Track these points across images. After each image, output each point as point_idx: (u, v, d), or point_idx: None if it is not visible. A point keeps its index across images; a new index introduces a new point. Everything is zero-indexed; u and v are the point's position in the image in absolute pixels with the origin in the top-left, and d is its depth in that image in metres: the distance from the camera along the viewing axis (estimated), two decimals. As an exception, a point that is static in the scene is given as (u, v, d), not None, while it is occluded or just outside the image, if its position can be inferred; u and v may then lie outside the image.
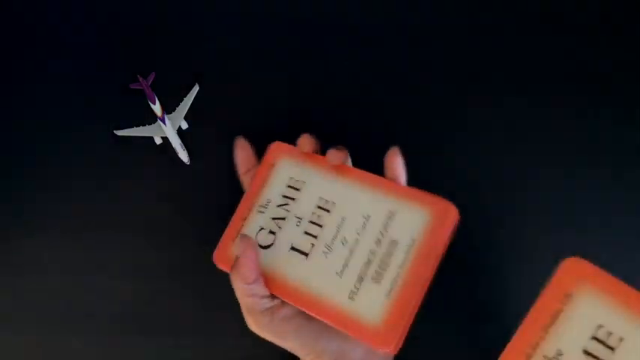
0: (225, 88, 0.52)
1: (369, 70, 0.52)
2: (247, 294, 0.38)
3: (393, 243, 0.36)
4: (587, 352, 0.28)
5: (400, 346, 0.35)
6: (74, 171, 0.52)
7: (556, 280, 0.30)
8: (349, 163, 0.41)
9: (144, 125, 0.52)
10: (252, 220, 0.41)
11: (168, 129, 0.51)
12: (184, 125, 0.52)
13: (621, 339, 0.27)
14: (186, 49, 0.53)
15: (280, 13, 0.53)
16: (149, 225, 0.51)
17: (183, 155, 0.51)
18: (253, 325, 0.39)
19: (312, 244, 0.38)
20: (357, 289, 0.36)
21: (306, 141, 0.41)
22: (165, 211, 0.51)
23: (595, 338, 0.27)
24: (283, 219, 0.40)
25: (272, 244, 0.40)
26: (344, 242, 0.38)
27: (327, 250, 0.38)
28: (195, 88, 0.52)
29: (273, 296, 0.39)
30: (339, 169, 0.40)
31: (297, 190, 0.41)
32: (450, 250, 0.37)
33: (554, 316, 0.28)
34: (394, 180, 0.39)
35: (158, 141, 0.52)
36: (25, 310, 0.51)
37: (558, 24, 0.51)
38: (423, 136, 0.51)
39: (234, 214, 0.43)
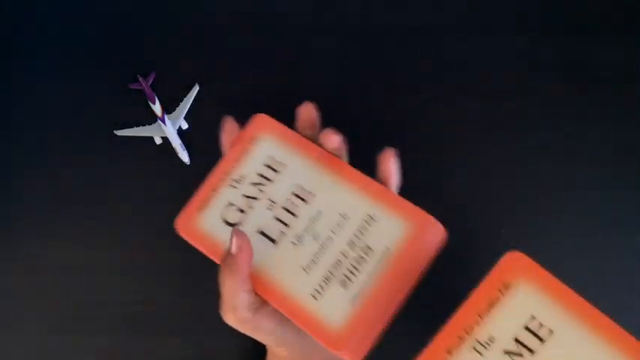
0: (225, 88, 0.52)
1: (370, 70, 0.52)
2: (238, 289, 0.36)
3: (367, 249, 0.34)
4: (517, 341, 0.28)
5: (364, 356, 0.34)
6: (74, 171, 0.52)
7: (497, 271, 0.30)
8: (345, 155, 0.39)
9: (144, 125, 0.52)
10: (222, 193, 0.39)
11: (168, 129, 0.51)
12: (184, 125, 0.52)
13: (551, 331, 0.28)
14: (186, 49, 0.53)
15: (280, 14, 0.53)
16: (149, 225, 0.51)
17: (184, 155, 0.51)
18: (233, 319, 0.37)
19: (282, 232, 0.36)
20: (322, 289, 0.34)
21: (306, 111, 0.39)
22: (165, 211, 0.51)
23: (527, 328, 0.28)
24: (255, 199, 0.38)
25: (239, 222, 0.38)
26: (315, 237, 0.36)
27: (296, 242, 0.36)
28: (195, 88, 0.52)
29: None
30: (326, 159, 0.38)
31: (276, 171, 0.38)
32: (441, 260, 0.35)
33: (492, 304, 0.29)
34: (384, 183, 0.37)
35: (158, 141, 0.52)
36: (25, 310, 0.51)
37: (558, 24, 0.51)
38: (422, 136, 0.51)
39: (204, 183, 0.40)
